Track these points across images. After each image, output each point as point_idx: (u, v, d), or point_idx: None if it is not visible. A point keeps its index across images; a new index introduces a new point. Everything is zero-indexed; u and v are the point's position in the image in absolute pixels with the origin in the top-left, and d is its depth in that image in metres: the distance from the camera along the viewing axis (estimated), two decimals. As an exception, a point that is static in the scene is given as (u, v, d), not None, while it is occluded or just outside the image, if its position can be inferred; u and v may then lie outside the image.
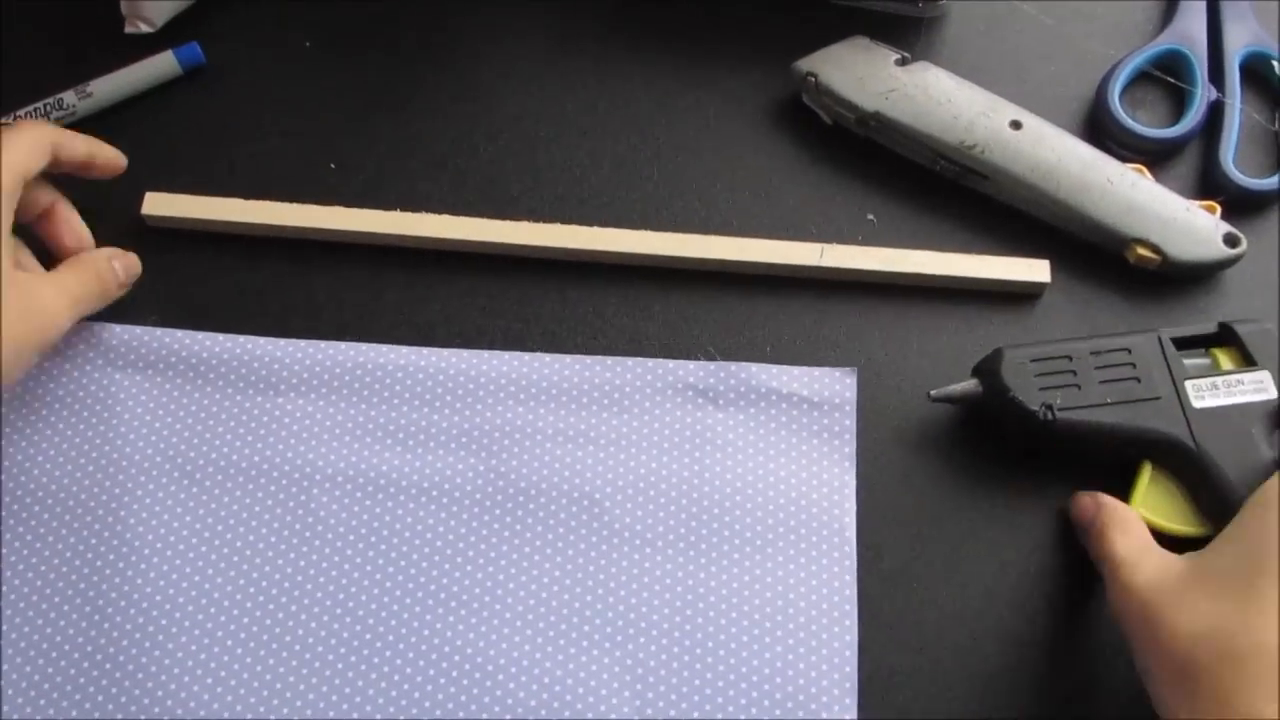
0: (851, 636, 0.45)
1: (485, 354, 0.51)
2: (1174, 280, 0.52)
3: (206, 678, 0.45)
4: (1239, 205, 0.53)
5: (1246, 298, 0.52)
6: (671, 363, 0.50)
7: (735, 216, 0.54)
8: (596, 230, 0.52)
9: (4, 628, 0.46)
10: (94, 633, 0.45)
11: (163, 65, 0.56)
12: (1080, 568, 0.46)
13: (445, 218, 0.53)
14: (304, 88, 0.57)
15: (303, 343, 0.51)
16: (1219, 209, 0.52)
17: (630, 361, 0.50)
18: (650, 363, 0.50)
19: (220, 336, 0.51)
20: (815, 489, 0.48)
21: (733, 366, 0.50)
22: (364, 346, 0.51)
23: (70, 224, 0.50)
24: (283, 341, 0.51)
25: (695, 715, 0.44)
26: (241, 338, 0.51)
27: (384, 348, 0.51)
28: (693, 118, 0.57)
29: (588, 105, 0.57)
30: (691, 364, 0.50)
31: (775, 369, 0.50)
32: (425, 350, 0.51)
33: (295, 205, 0.53)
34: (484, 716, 0.44)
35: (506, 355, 0.50)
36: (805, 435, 0.49)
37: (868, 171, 0.55)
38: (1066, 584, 0.47)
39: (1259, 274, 0.53)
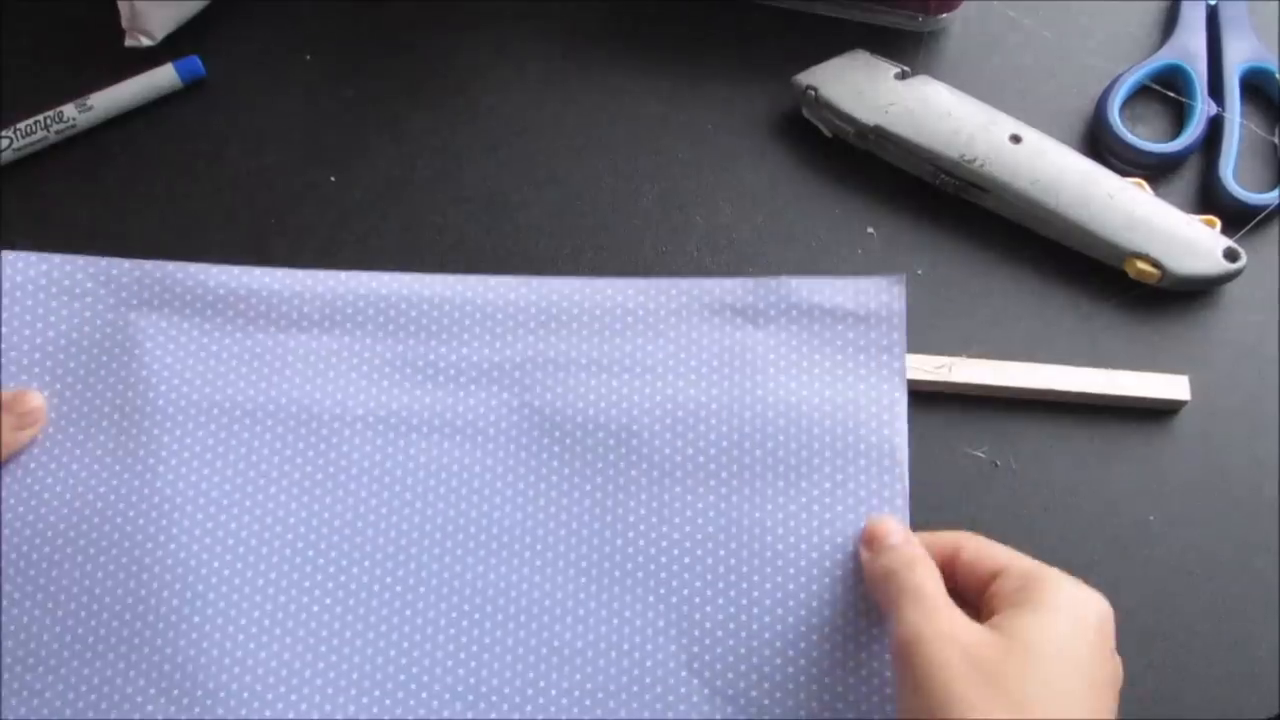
0: None
1: (512, 280, 0.48)
2: (1174, 295, 0.52)
3: (240, 618, 0.44)
4: (1239, 220, 0.53)
5: (1246, 313, 0.52)
6: (708, 281, 0.48)
7: (735, 230, 0.54)
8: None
9: (31, 573, 0.45)
10: (132, 583, 0.44)
11: (163, 78, 0.57)
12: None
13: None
14: (304, 101, 0.57)
15: (322, 274, 0.48)
16: (1219, 224, 0.52)
17: (664, 282, 0.48)
18: (685, 283, 0.48)
19: (235, 269, 0.48)
20: (864, 408, 0.46)
21: (772, 282, 0.48)
22: (385, 276, 0.48)
23: None
24: (301, 273, 0.48)
25: (741, 650, 0.43)
26: (257, 270, 0.48)
27: (406, 276, 0.48)
28: (692, 131, 0.57)
29: (587, 119, 0.57)
30: (729, 281, 0.48)
31: (817, 281, 0.48)
32: (450, 278, 0.48)
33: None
34: (526, 656, 0.43)
35: (535, 281, 0.48)
36: (852, 351, 0.47)
37: (868, 185, 0.55)
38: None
39: (1259, 289, 0.53)
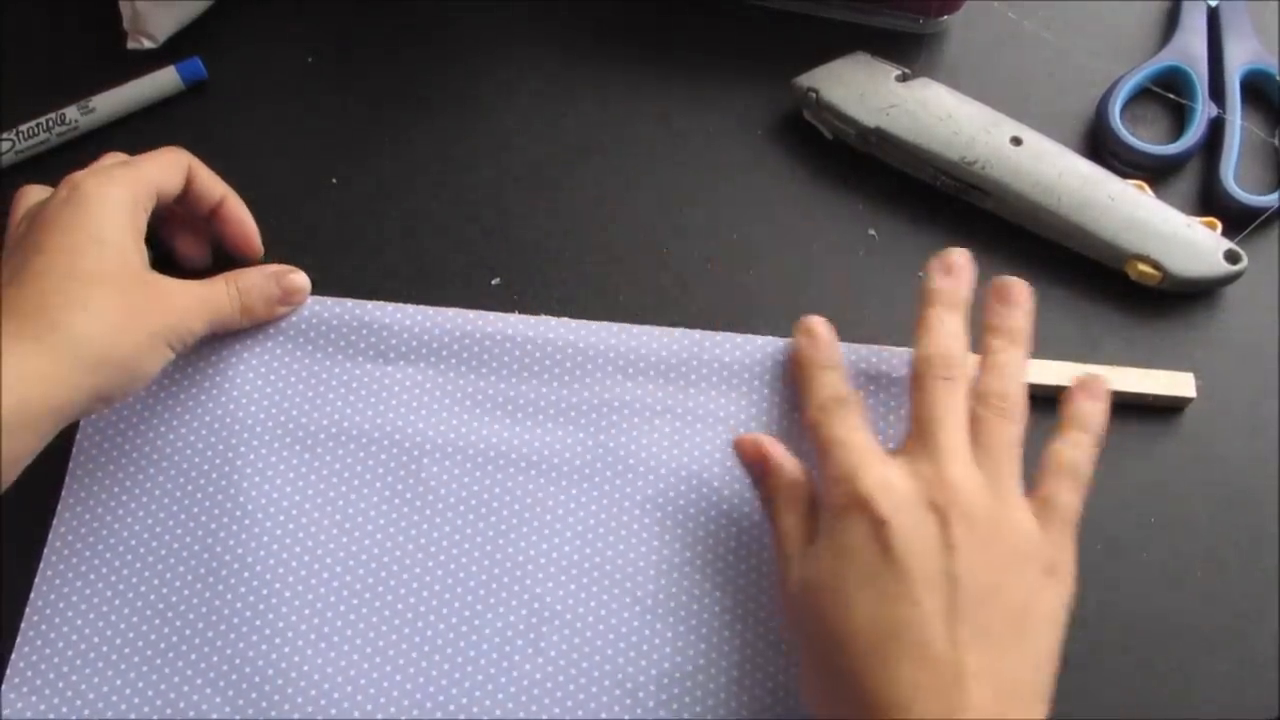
0: None
1: (594, 325, 0.50)
2: (1174, 297, 0.52)
3: (320, 642, 0.45)
4: (1240, 222, 0.53)
5: (1247, 315, 0.52)
6: (781, 340, 0.50)
7: (736, 232, 0.54)
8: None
9: (120, 587, 0.46)
10: (208, 594, 0.46)
11: (165, 80, 0.57)
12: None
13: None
14: (305, 103, 0.58)
15: (411, 308, 0.50)
16: (1219, 225, 0.52)
17: (739, 338, 0.50)
18: (760, 339, 0.50)
19: (329, 300, 0.51)
20: None
21: (843, 348, 0.50)
22: (472, 314, 0.50)
23: (239, 223, 0.51)
24: (390, 307, 0.51)
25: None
26: (350, 302, 0.51)
27: (492, 315, 0.50)
28: (693, 134, 0.57)
29: (587, 121, 0.57)
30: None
31: (886, 351, 0.50)
32: (533, 319, 0.50)
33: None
34: (589, 687, 0.44)
35: (615, 327, 0.50)
36: (906, 415, 0.48)
37: (868, 187, 0.55)
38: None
39: (1260, 291, 0.53)
